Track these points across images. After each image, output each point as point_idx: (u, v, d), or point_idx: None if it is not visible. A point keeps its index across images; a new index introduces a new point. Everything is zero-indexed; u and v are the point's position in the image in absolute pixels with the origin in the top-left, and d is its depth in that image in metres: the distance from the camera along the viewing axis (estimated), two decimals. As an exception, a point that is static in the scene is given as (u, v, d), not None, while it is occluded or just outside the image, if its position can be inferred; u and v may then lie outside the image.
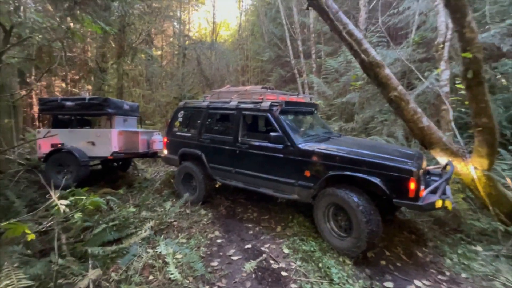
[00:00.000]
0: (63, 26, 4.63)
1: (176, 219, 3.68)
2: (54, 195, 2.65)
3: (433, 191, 2.72)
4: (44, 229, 3.07)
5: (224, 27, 21.94)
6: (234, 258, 2.80)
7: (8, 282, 1.68)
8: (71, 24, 4.58)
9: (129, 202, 4.48)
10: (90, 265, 2.41)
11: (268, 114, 3.71)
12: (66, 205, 2.66)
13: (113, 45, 7.63)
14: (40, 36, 4.44)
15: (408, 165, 2.70)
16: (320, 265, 2.62)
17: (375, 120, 7.43)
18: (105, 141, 5.25)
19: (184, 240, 3.14)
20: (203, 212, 3.98)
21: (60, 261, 2.25)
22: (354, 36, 3.53)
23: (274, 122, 3.62)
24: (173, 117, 5.09)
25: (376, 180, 2.78)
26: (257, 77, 16.26)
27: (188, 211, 3.98)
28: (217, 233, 3.36)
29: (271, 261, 2.73)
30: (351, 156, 2.96)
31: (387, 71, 3.55)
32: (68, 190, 2.95)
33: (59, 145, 5.13)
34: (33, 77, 8.74)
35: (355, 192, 2.89)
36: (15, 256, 2.43)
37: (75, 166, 5.07)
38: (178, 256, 2.75)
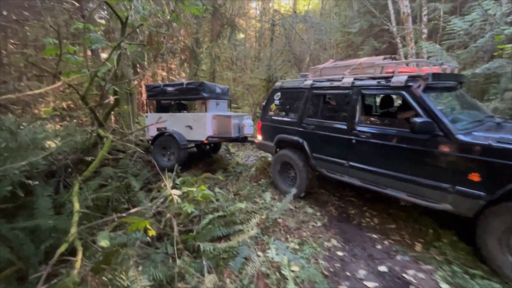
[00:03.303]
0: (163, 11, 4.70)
1: (280, 216, 3.26)
2: (168, 185, 2.55)
3: None
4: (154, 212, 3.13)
5: (305, -1, 20.26)
6: (369, 285, 2.14)
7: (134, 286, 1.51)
8: (176, 8, 4.63)
9: (228, 188, 4.37)
10: (205, 267, 2.19)
11: (405, 93, 2.75)
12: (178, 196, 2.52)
13: (206, 29, 7.77)
14: (148, 22, 4.65)
15: None
16: (520, 325, 1.69)
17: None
18: (201, 125, 5.31)
19: (296, 246, 2.67)
20: (309, 210, 3.44)
21: (178, 262, 2.09)
22: None
23: (414, 104, 2.66)
24: (268, 100, 4.64)
25: None
26: (342, 53, 14.40)
27: (291, 206, 3.52)
28: (334, 241, 2.76)
29: (427, 301, 1.96)
30: None
31: None
32: (180, 179, 2.90)
33: (163, 129, 5.45)
34: (145, 62, 9.87)
35: None
36: (137, 244, 2.44)
37: (176, 149, 5.33)
38: (295, 268, 2.29)
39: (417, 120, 2.48)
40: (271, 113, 4.52)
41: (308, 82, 3.89)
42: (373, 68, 3.37)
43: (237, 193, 4.16)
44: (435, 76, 2.77)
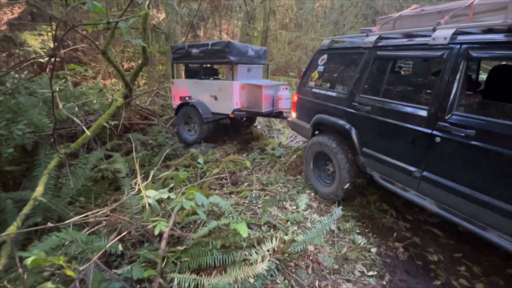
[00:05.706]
0: None
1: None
2: (140, 181, 1.73)
3: None
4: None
5: None
6: None
7: None
8: None
9: (253, 178, 3.43)
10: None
11: None
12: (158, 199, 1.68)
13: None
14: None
15: None
16: None
17: None
18: (226, 96, 4.38)
19: (326, 309, 1.62)
20: (359, 239, 2.25)
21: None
22: None
23: None
24: (309, 65, 3.37)
25: None
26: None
27: (333, 226, 2.39)
28: (395, 319, 1.60)
29: None
30: None
31: None
32: (165, 174, 2.08)
33: (187, 98, 4.70)
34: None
35: None
36: (94, 259, 1.76)
37: (198, 122, 4.58)
38: None
39: None
40: (311, 83, 3.26)
41: (371, 39, 2.48)
42: (498, 11, 1.80)
43: (263, 188, 3.20)
44: None
